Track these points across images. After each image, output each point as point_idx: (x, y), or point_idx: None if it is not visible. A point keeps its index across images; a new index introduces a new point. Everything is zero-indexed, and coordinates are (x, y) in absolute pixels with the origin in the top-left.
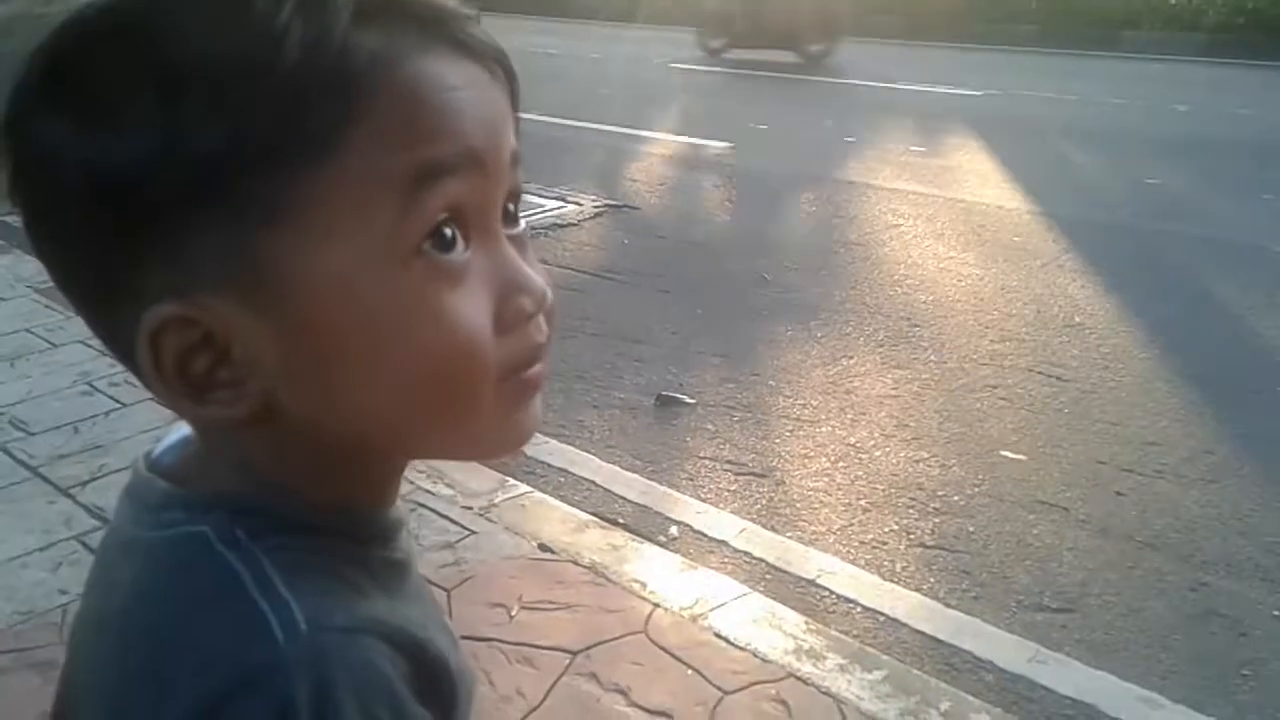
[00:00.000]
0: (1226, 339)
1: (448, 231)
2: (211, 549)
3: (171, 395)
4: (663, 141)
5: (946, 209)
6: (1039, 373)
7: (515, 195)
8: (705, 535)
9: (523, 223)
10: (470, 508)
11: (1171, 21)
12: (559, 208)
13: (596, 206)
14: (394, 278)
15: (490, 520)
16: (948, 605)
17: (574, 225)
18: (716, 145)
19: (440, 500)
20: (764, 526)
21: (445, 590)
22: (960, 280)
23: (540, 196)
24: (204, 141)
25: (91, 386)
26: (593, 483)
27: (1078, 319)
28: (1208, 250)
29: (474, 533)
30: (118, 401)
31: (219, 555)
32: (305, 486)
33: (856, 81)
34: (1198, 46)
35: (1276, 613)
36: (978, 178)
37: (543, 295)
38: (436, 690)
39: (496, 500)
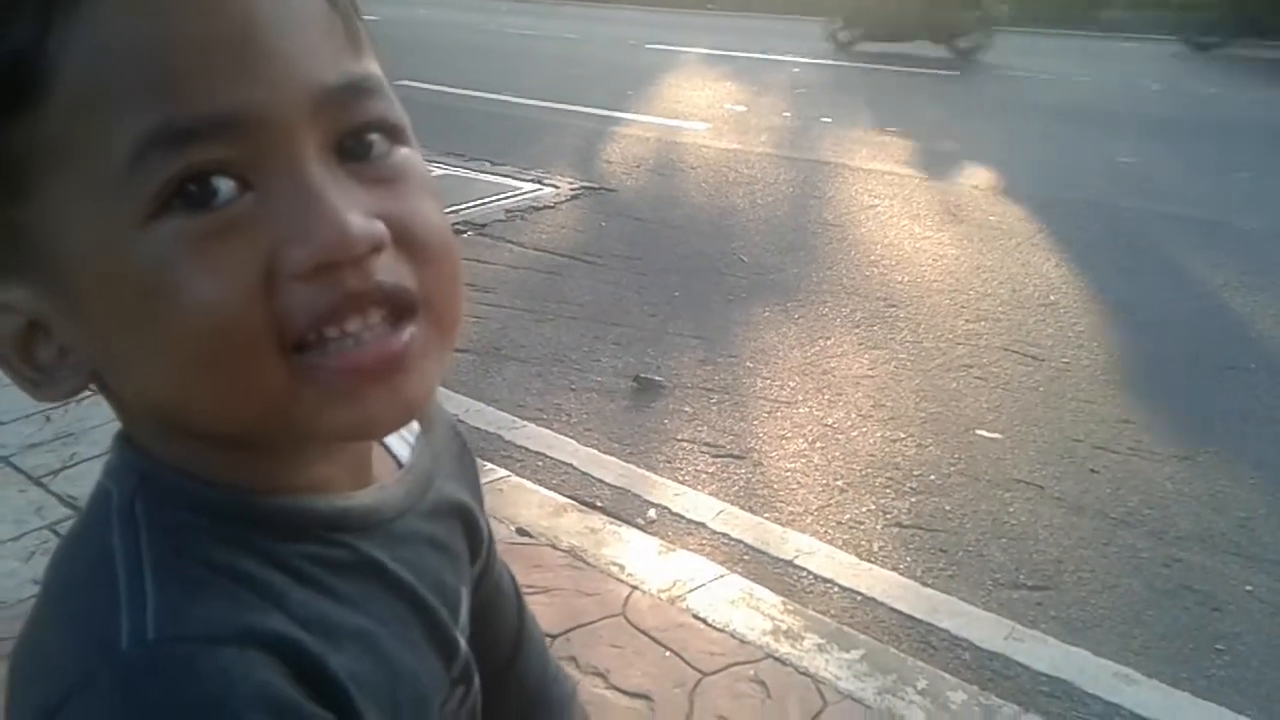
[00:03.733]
0: (1199, 316)
1: (194, 188)
2: (106, 516)
3: (15, 378)
4: (640, 123)
5: (922, 189)
6: (1014, 351)
7: (362, 129)
8: (683, 517)
9: (391, 150)
10: None
11: (1143, 0)
12: (535, 190)
13: (573, 189)
14: (135, 244)
15: None
16: (924, 584)
17: (550, 208)
18: (693, 126)
19: None
20: (742, 508)
21: None
22: (936, 260)
23: (516, 179)
24: None
25: None
26: (570, 466)
27: (1052, 297)
28: (1180, 228)
29: None
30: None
31: (106, 528)
32: (202, 468)
33: (832, 62)
34: (1169, 25)
35: (1249, 588)
36: (952, 158)
37: (334, 241)
38: (331, 705)
39: None
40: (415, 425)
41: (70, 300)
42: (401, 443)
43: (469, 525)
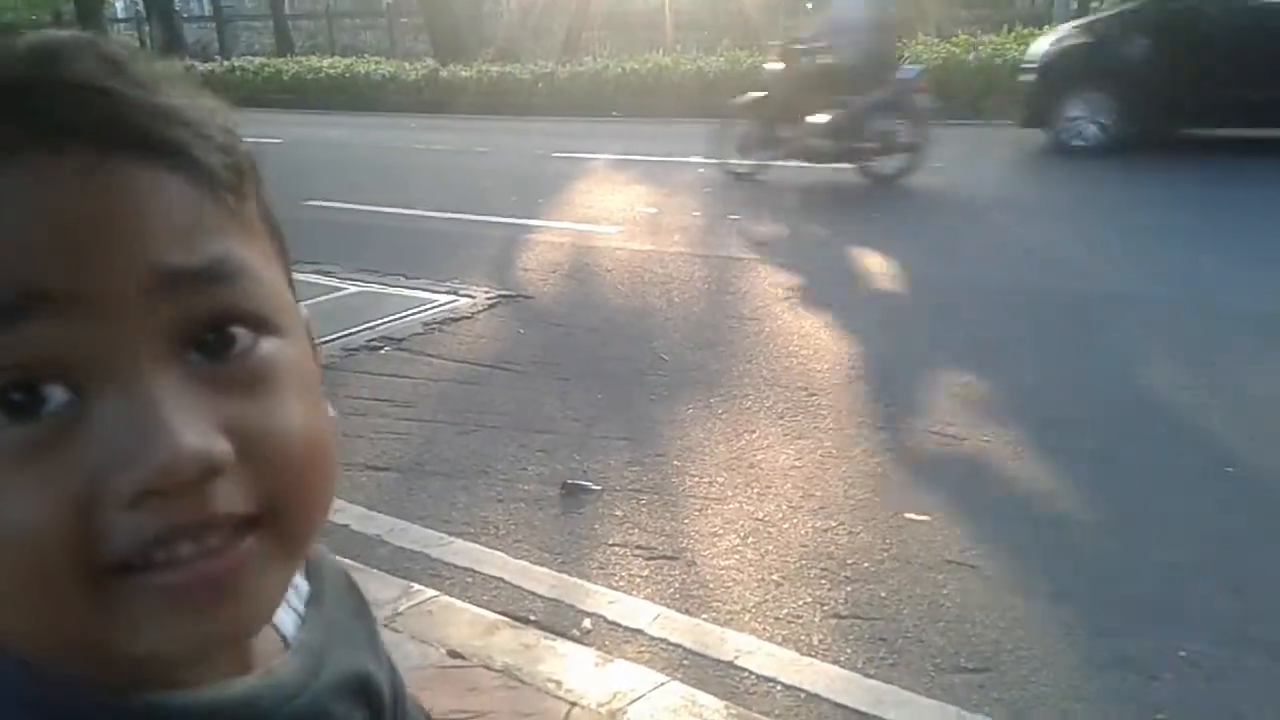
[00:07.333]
0: (1113, 385)
1: (19, 396)
2: None
3: None
4: (553, 230)
5: (833, 280)
6: (934, 433)
7: (220, 320)
8: (620, 625)
9: (256, 345)
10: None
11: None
12: (451, 301)
13: (489, 298)
14: None
15: (395, 630)
16: (866, 675)
17: (468, 318)
18: (606, 230)
19: None
20: (678, 610)
21: None
22: (852, 348)
23: (432, 292)
24: None
25: None
26: (501, 580)
27: (967, 378)
28: (1085, 302)
29: None
30: None
31: None
32: (51, 663)
33: (735, 160)
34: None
35: (1183, 653)
36: (861, 248)
37: (161, 466)
38: None
39: (401, 608)
40: (304, 590)
41: None
42: (288, 612)
43: (366, 692)
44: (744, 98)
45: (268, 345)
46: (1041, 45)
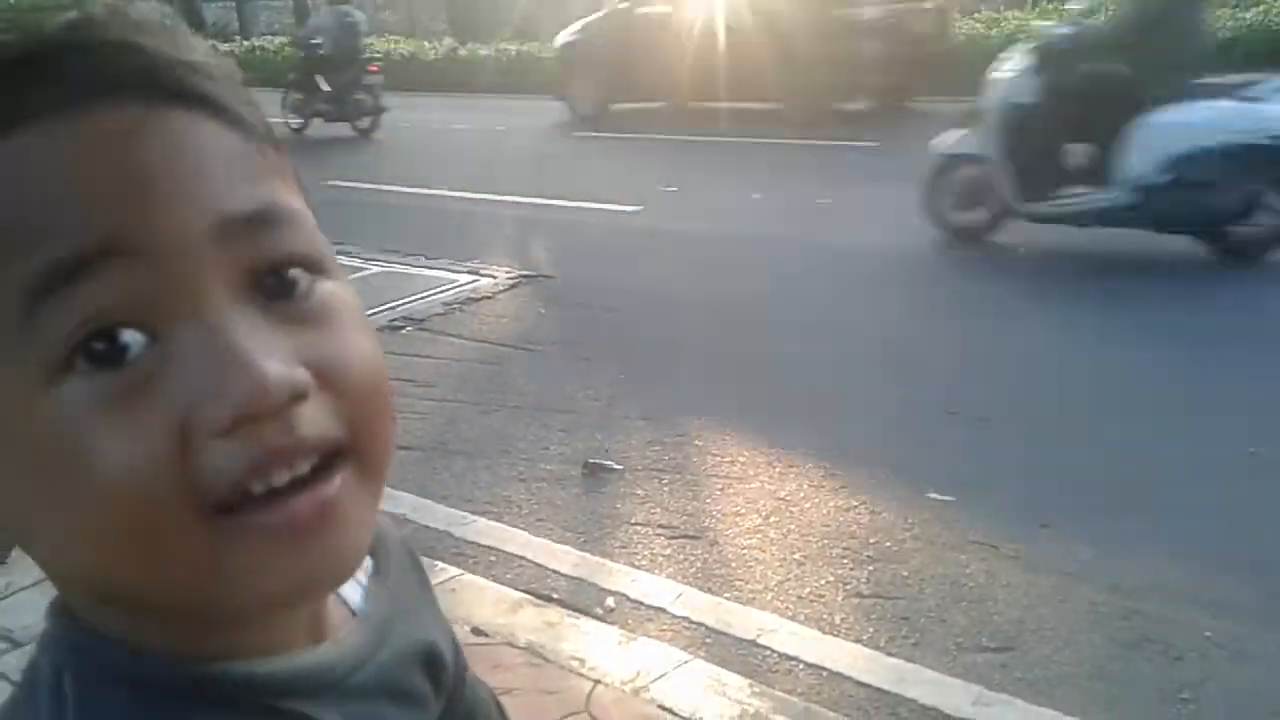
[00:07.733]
0: (1133, 367)
1: (101, 346)
2: (35, 694)
3: None
4: (573, 209)
5: (853, 257)
6: (957, 413)
7: (281, 264)
8: (642, 604)
9: (314, 286)
10: None
11: None
12: (473, 281)
13: (511, 278)
14: (40, 408)
15: None
16: (889, 654)
17: (489, 298)
18: (627, 209)
19: None
20: (701, 589)
21: None
22: (874, 326)
23: (453, 271)
24: None
25: None
26: (524, 559)
27: (991, 358)
28: (1101, 281)
29: None
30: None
31: (35, 707)
32: (138, 634)
33: (755, 140)
34: None
35: (1208, 634)
36: (881, 225)
37: (250, 393)
38: None
39: None
40: (368, 564)
41: None
42: (353, 585)
43: (431, 663)
44: (290, 74)
45: (325, 286)
46: (562, 38)
